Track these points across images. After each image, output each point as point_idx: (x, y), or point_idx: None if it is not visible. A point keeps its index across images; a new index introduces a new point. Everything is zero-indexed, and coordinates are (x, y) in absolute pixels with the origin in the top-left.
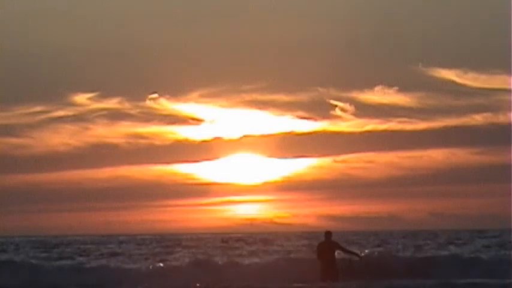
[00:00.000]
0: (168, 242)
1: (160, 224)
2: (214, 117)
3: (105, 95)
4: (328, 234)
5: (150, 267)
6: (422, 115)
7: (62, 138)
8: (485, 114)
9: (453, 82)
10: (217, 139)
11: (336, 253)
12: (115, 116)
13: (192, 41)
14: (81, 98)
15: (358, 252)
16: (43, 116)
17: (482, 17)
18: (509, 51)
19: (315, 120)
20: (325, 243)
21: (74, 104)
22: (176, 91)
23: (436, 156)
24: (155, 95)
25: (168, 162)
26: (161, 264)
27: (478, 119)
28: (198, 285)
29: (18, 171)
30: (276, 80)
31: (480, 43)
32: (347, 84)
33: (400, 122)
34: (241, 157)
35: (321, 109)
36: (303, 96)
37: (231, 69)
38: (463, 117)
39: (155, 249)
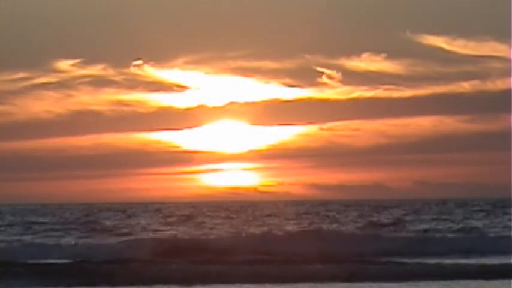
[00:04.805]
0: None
1: (143, 193)
2: (199, 84)
3: (88, 61)
4: None
5: None
6: (409, 82)
7: (44, 105)
8: (473, 82)
9: (441, 49)
10: (202, 106)
11: None
12: (99, 82)
13: (177, 7)
14: (65, 65)
15: None
16: (26, 83)
17: None
18: (499, 17)
19: (301, 87)
20: None
21: (57, 71)
22: (161, 58)
23: (423, 124)
24: (139, 62)
25: (152, 130)
26: None
27: (466, 86)
28: None
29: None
30: (262, 47)
31: (469, 9)
32: (334, 51)
33: (387, 90)
34: (225, 124)
35: (307, 76)
36: (289, 63)
37: (216, 36)
38: (451, 84)
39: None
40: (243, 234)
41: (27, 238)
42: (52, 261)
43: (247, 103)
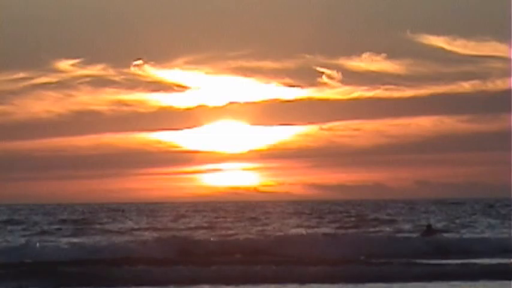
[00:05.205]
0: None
1: (143, 192)
2: (199, 84)
3: (88, 61)
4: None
5: None
6: (410, 82)
7: (44, 105)
8: (473, 82)
9: (441, 49)
10: (202, 106)
11: None
12: (99, 82)
13: (177, 7)
14: (65, 65)
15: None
16: (26, 83)
17: None
18: (499, 17)
19: (301, 87)
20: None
21: (57, 71)
22: (161, 58)
23: (423, 124)
24: (140, 62)
25: (152, 130)
26: None
27: (466, 86)
28: None
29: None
30: (262, 47)
31: (469, 9)
32: (334, 51)
33: (387, 90)
34: (225, 124)
35: (307, 76)
36: (289, 63)
37: (216, 36)
38: (451, 84)
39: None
40: (243, 235)
41: (28, 238)
42: (52, 261)
43: (247, 103)
